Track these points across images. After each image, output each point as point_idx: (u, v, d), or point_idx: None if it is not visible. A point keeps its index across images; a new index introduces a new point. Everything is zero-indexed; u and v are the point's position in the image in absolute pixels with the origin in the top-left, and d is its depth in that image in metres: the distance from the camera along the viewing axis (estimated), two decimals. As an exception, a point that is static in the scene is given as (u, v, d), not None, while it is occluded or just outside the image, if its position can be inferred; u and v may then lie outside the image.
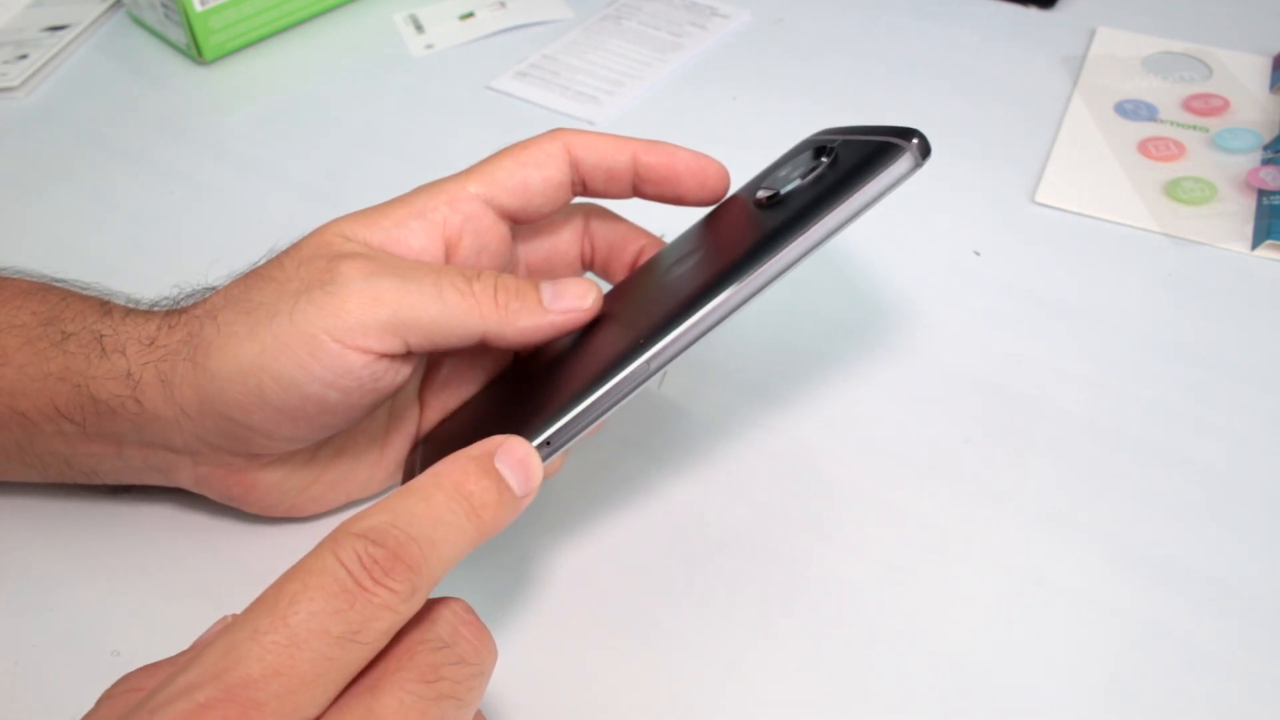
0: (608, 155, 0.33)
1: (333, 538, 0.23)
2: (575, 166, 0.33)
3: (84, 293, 0.33)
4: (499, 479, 0.25)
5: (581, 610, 0.32)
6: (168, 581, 0.33)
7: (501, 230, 0.33)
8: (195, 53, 0.58)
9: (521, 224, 0.34)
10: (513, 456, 0.26)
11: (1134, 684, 0.29)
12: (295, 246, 0.31)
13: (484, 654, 0.24)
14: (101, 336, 0.30)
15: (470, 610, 0.24)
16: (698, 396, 0.38)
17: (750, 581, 0.32)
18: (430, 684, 0.22)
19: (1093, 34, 0.55)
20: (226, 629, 0.22)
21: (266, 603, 0.22)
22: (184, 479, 0.32)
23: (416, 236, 0.31)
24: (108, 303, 0.32)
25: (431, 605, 0.24)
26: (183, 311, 0.30)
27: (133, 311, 0.31)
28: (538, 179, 0.32)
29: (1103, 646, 0.30)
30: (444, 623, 0.24)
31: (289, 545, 0.33)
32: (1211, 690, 0.29)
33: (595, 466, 0.35)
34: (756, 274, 0.27)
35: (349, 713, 0.21)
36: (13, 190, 0.50)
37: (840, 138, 0.31)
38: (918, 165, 0.27)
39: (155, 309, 0.32)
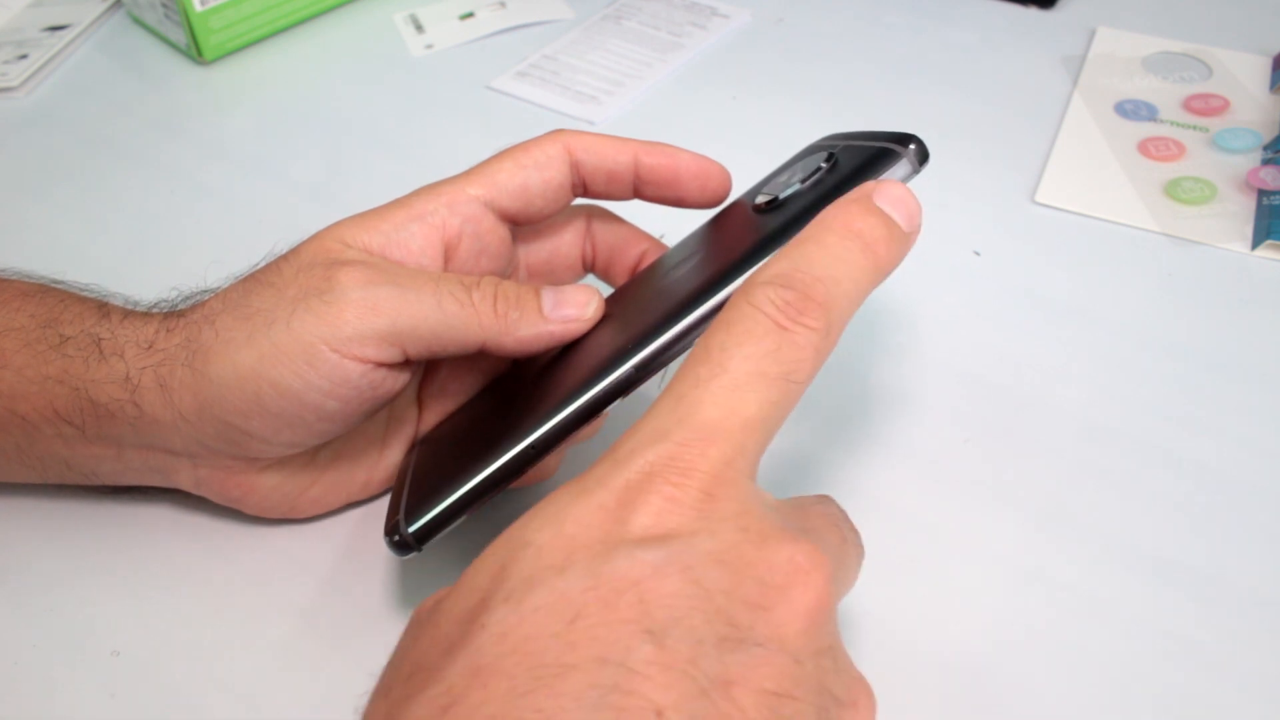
0: (609, 157, 0.33)
1: (742, 290, 0.24)
2: (576, 168, 0.33)
3: (82, 294, 0.33)
4: (884, 215, 0.26)
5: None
6: (168, 581, 0.33)
7: (502, 232, 0.33)
8: (195, 53, 0.58)
9: (522, 225, 0.34)
10: (891, 194, 0.26)
11: (1134, 683, 0.29)
12: (294, 251, 0.31)
13: (860, 552, 0.26)
14: (100, 340, 0.30)
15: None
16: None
17: (750, 581, 0.32)
18: (840, 530, 0.25)
19: (1093, 34, 0.55)
20: (665, 389, 0.23)
21: (699, 355, 0.23)
22: (183, 481, 0.32)
23: (416, 239, 0.31)
24: (106, 305, 0.32)
25: (815, 496, 0.26)
26: (181, 315, 0.30)
27: (131, 314, 0.31)
28: (538, 181, 0.32)
29: (1102, 646, 0.30)
30: (834, 504, 0.26)
31: (289, 546, 0.33)
32: (1211, 690, 0.29)
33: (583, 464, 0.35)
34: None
35: (788, 508, 0.24)
36: (13, 190, 0.50)
37: (842, 143, 0.31)
38: (915, 171, 0.28)
39: (154, 311, 0.32)
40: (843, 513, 0.26)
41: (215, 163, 0.51)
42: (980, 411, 0.37)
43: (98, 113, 0.55)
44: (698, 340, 0.24)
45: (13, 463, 0.32)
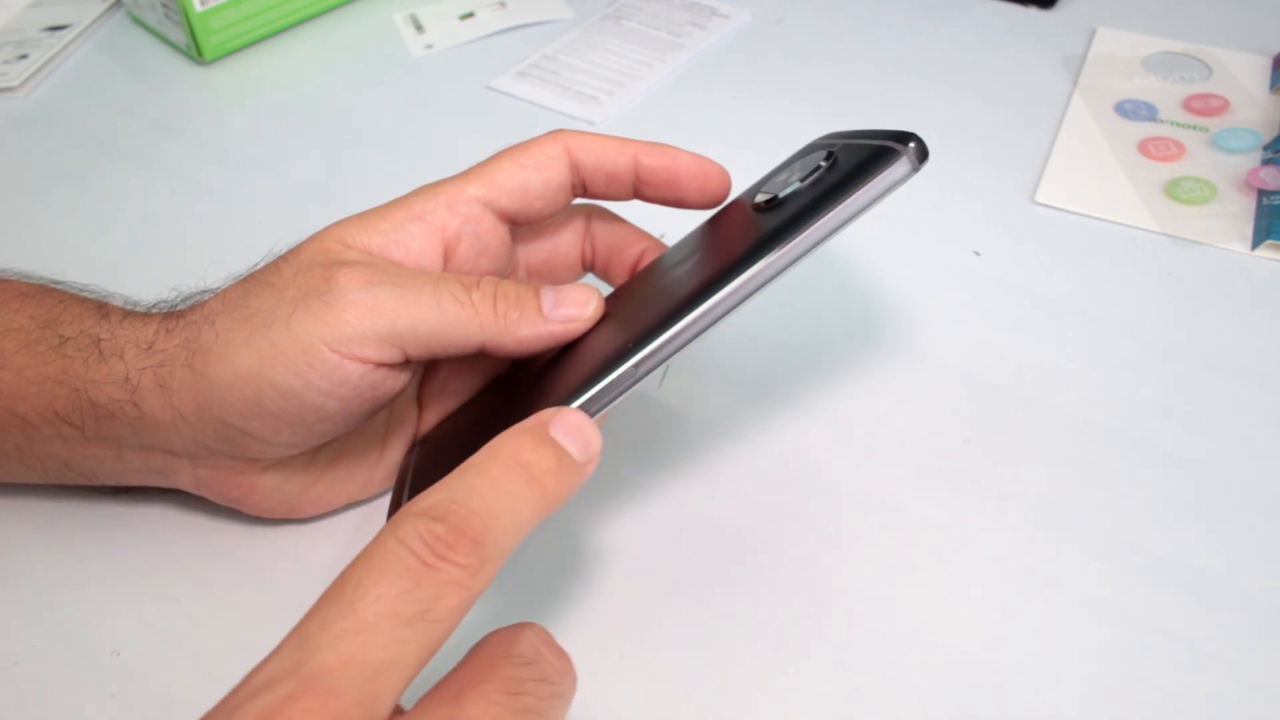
0: (608, 157, 0.33)
1: (393, 521, 0.22)
2: (575, 168, 0.33)
3: (82, 295, 0.33)
4: (557, 447, 0.25)
5: (580, 611, 0.32)
6: (168, 581, 0.33)
7: (501, 232, 0.33)
8: (195, 53, 0.58)
9: (521, 226, 0.34)
10: (567, 423, 0.25)
11: (1134, 683, 0.29)
12: (293, 252, 0.31)
13: (565, 677, 0.24)
14: (99, 340, 0.30)
15: (549, 635, 0.24)
16: (697, 398, 0.38)
17: (750, 582, 0.32)
18: (514, 696, 0.22)
19: (1093, 34, 0.55)
20: (298, 625, 0.21)
21: (333, 594, 0.22)
22: (183, 481, 0.32)
23: (415, 239, 0.31)
24: (105, 305, 0.32)
25: (512, 628, 0.24)
26: (181, 315, 0.30)
27: (130, 314, 0.31)
28: (537, 181, 0.32)
29: (1103, 645, 0.30)
30: (525, 642, 0.23)
31: (289, 546, 0.33)
32: (1211, 690, 0.29)
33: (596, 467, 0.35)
34: (748, 277, 0.28)
35: (433, 717, 0.21)
36: (13, 190, 0.50)
37: (841, 142, 0.31)
38: (914, 170, 0.28)
39: (154, 311, 0.32)
40: (534, 655, 0.23)
41: (215, 163, 0.51)
42: (980, 411, 0.37)
43: (98, 113, 0.55)
44: (338, 576, 0.22)
45: (12, 463, 0.32)
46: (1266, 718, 0.28)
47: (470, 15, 0.61)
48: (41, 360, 0.30)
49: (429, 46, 0.59)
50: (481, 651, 0.23)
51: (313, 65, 0.58)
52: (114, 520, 0.34)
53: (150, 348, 0.30)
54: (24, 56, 0.59)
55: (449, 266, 0.32)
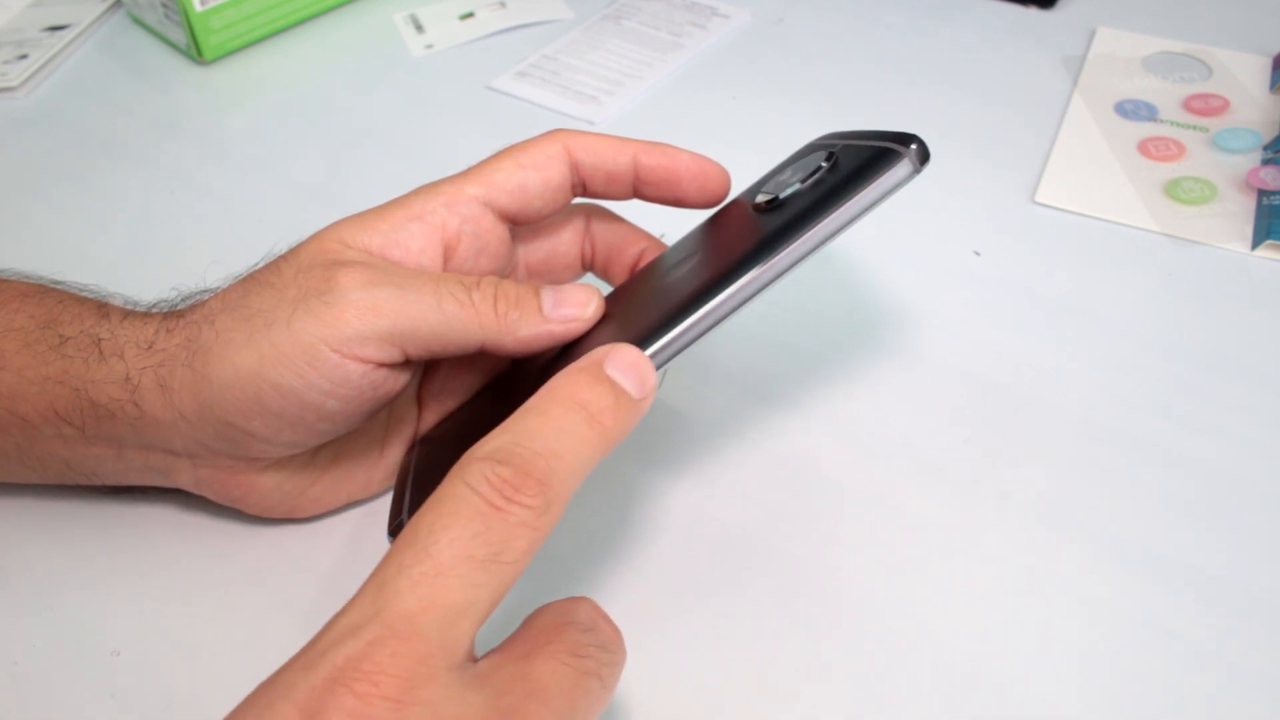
0: (608, 157, 0.33)
1: (459, 466, 0.23)
2: (575, 168, 0.33)
3: (82, 295, 0.33)
4: (613, 384, 0.25)
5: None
6: (168, 581, 0.33)
7: (501, 232, 0.33)
8: (195, 53, 0.58)
9: (521, 225, 0.34)
10: (622, 360, 0.26)
11: (1134, 682, 0.29)
12: (294, 252, 0.31)
13: (619, 648, 0.25)
14: (100, 340, 0.30)
15: (601, 608, 0.25)
16: (698, 398, 0.38)
17: (751, 581, 0.32)
18: (579, 658, 0.23)
19: (1093, 34, 0.55)
20: (373, 573, 0.22)
21: (407, 538, 0.22)
22: (184, 480, 0.32)
23: (415, 239, 0.31)
24: (105, 305, 0.32)
25: (568, 599, 0.25)
26: (181, 315, 0.30)
27: (131, 314, 0.31)
28: (537, 181, 0.32)
29: (1103, 645, 0.30)
30: (584, 612, 0.24)
31: (289, 546, 0.33)
32: (1211, 690, 0.29)
33: (596, 469, 0.35)
34: (748, 280, 0.28)
35: (504, 673, 0.22)
36: (13, 190, 0.50)
37: (841, 142, 0.31)
38: (916, 171, 0.28)
39: (154, 311, 0.32)
40: (593, 624, 0.24)
41: (215, 163, 0.51)
42: (980, 411, 0.37)
43: (98, 113, 0.55)
44: (409, 522, 0.23)
45: (13, 463, 0.32)
46: (1266, 717, 0.28)
47: (470, 15, 0.61)
48: (42, 360, 0.30)
49: (429, 46, 0.59)
50: (544, 617, 0.24)
51: (313, 65, 0.58)
52: (114, 520, 0.34)
53: (150, 347, 0.30)
54: (24, 56, 0.59)
55: (449, 266, 0.32)
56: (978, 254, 0.43)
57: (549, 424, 0.24)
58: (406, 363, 0.30)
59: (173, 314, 0.31)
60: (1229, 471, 0.34)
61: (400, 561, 0.22)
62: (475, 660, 0.23)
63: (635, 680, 0.30)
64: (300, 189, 0.49)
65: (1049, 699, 0.29)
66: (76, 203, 0.49)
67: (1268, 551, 0.32)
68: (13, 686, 0.30)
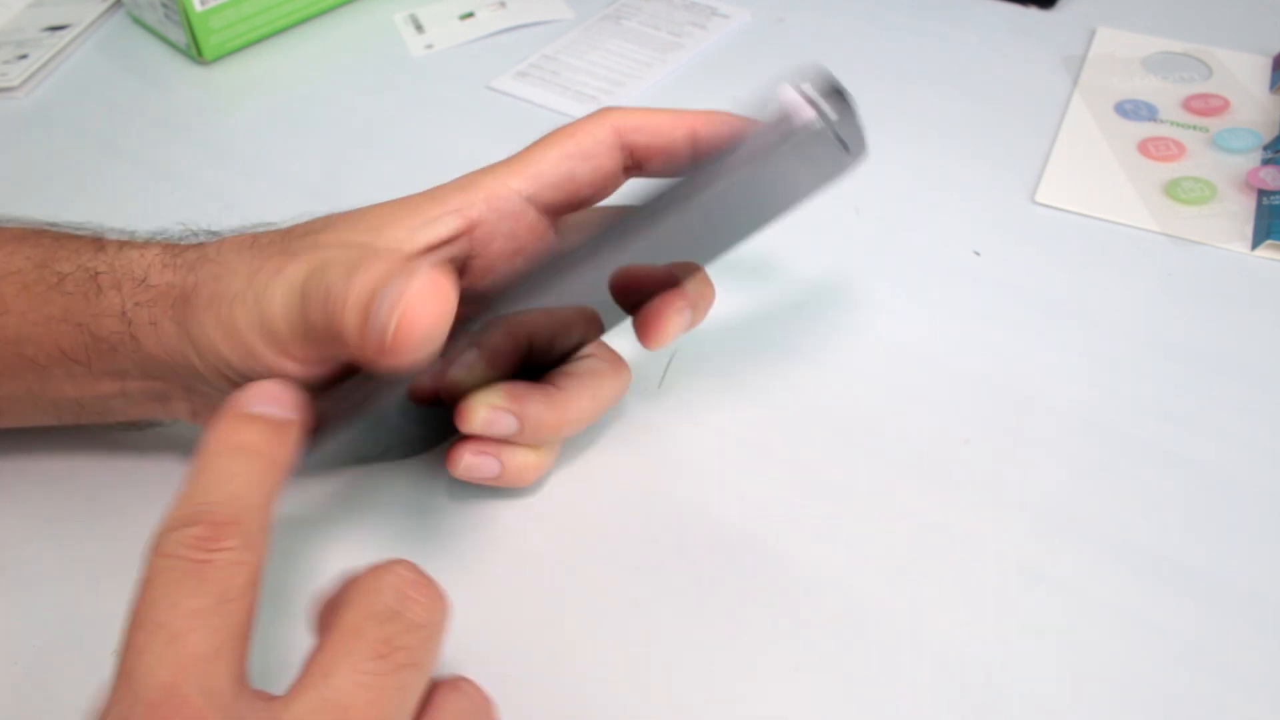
0: (664, 133, 0.30)
1: (153, 546, 0.23)
2: (629, 150, 0.30)
3: (77, 232, 0.33)
4: (258, 418, 0.26)
5: (580, 610, 0.32)
6: (168, 581, 0.33)
7: (541, 228, 0.31)
8: (195, 53, 0.58)
9: (566, 215, 0.32)
10: (258, 394, 0.26)
11: (1134, 683, 0.29)
12: (312, 224, 0.30)
13: (435, 612, 0.24)
14: (97, 273, 0.30)
15: (415, 569, 0.24)
16: (696, 398, 0.38)
17: (750, 582, 0.32)
18: (384, 658, 0.22)
19: (1093, 34, 0.55)
20: (114, 673, 0.22)
21: (134, 629, 0.22)
22: (180, 412, 0.32)
23: (441, 235, 0.30)
24: (101, 239, 0.32)
25: (374, 573, 0.24)
26: (179, 252, 0.30)
27: (127, 244, 0.31)
28: (586, 170, 0.30)
29: (1102, 646, 0.30)
30: (388, 590, 0.23)
31: (288, 545, 0.33)
32: (1212, 690, 0.29)
33: (594, 468, 0.35)
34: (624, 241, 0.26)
35: (305, 702, 0.21)
36: (13, 190, 0.50)
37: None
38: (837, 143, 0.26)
39: (153, 240, 0.31)
40: (397, 605, 0.23)
41: (215, 163, 0.51)
42: (980, 411, 0.37)
43: (98, 113, 0.55)
44: (129, 611, 0.23)
45: (26, 407, 0.32)
46: (1266, 718, 0.28)
47: (470, 15, 0.61)
48: (43, 300, 0.30)
49: (429, 46, 0.59)
50: (344, 613, 0.23)
51: (313, 65, 0.58)
52: (114, 520, 0.34)
53: (144, 281, 0.30)
54: (24, 56, 0.59)
55: (470, 266, 0.31)
56: (978, 254, 0.43)
57: (217, 475, 0.25)
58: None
59: (172, 247, 0.31)
60: (1229, 472, 0.34)
61: (136, 647, 0.22)
62: (262, 694, 0.22)
63: (635, 680, 0.30)
64: (300, 189, 0.49)
65: (1049, 699, 0.29)
66: (76, 203, 0.49)
67: (1267, 551, 0.32)
68: (13, 686, 0.30)
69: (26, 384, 0.31)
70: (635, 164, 0.31)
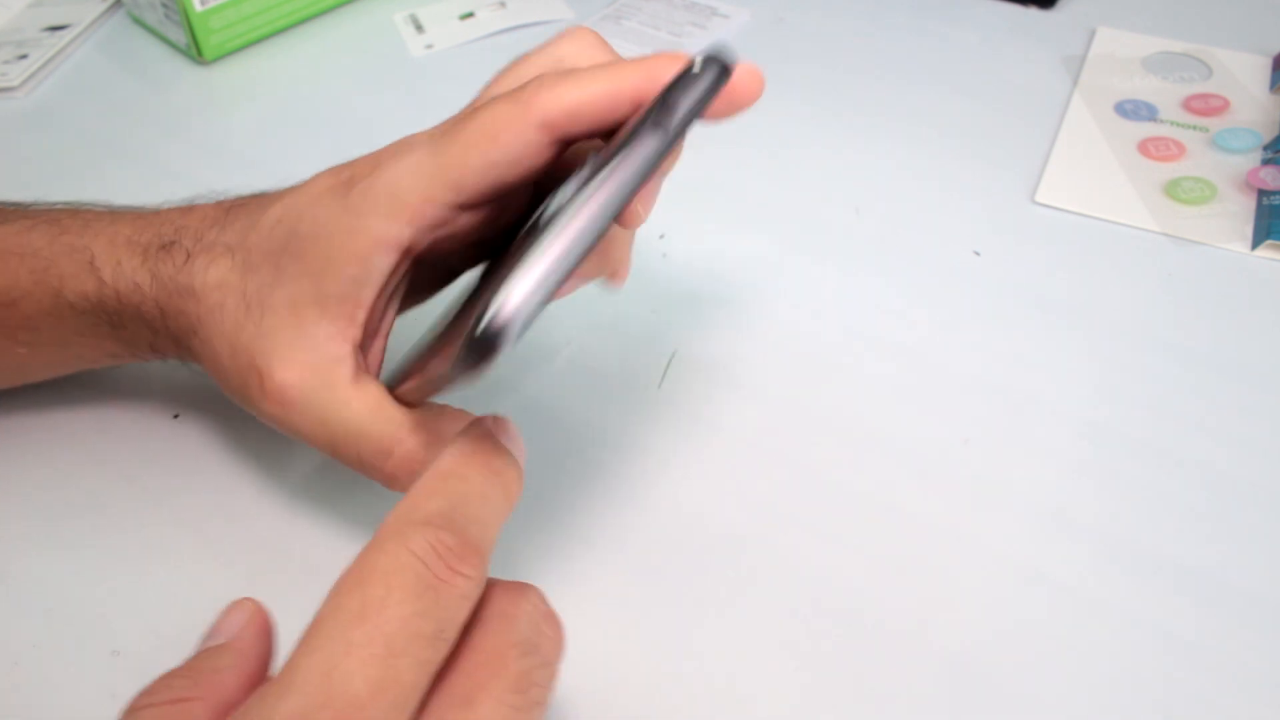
0: (603, 111, 0.27)
1: (399, 530, 0.21)
2: (564, 139, 0.27)
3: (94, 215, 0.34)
4: (509, 454, 0.24)
5: (579, 610, 0.32)
6: (168, 581, 0.33)
7: (477, 221, 0.30)
8: (195, 53, 0.58)
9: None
10: (509, 431, 0.25)
11: (1134, 683, 0.29)
12: (327, 233, 0.31)
13: (560, 650, 0.23)
14: (96, 262, 0.32)
15: (546, 600, 0.23)
16: (697, 398, 0.38)
17: (750, 581, 0.32)
18: (523, 693, 0.21)
19: (1093, 34, 0.55)
20: (311, 644, 0.20)
21: (351, 610, 0.20)
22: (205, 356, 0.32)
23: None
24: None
25: (509, 596, 0.22)
26: (179, 257, 0.32)
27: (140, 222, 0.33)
28: (516, 175, 0.28)
29: (1102, 646, 0.30)
30: (526, 620, 0.22)
31: (289, 547, 0.33)
32: (1212, 690, 0.29)
33: (594, 466, 0.35)
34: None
35: None
36: (13, 190, 0.50)
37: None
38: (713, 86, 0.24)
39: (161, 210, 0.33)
40: (536, 637, 0.22)
41: (215, 163, 0.51)
42: (980, 411, 0.37)
43: (98, 113, 0.55)
44: (342, 585, 0.21)
45: (56, 353, 0.34)
46: (1266, 718, 0.28)
47: (470, 15, 0.61)
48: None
49: (429, 46, 0.59)
50: (484, 639, 0.22)
51: (313, 65, 0.58)
52: (114, 520, 0.34)
53: (147, 265, 0.32)
54: (24, 56, 0.59)
55: (439, 243, 0.30)
56: (978, 254, 0.43)
57: (474, 490, 0.23)
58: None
59: (173, 249, 0.32)
60: (1229, 471, 0.34)
61: (348, 639, 0.20)
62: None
63: (635, 680, 0.30)
64: (300, 189, 0.49)
65: (1049, 698, 0.29)
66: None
67: (1267, 551, 0.32)
68: (13, 686, 0.30)
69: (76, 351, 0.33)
70: (572, 150, 0.29)
